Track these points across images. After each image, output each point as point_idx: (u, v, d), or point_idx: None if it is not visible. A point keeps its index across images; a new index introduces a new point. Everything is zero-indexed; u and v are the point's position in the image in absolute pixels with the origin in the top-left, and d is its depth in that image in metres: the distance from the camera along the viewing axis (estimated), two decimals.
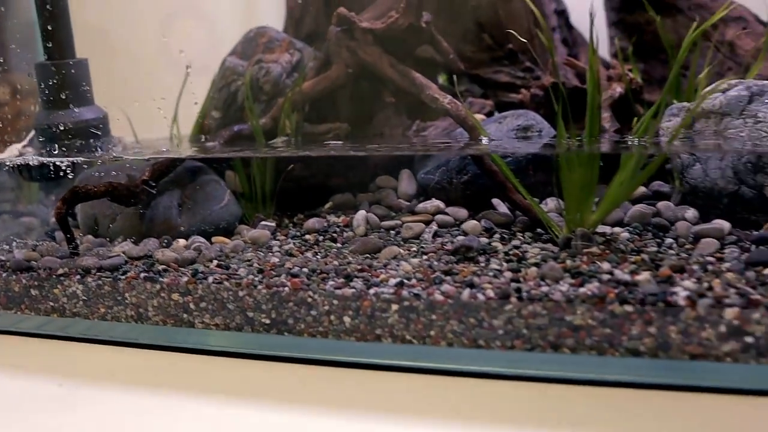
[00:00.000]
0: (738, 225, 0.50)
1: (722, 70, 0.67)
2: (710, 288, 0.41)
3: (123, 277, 0.52)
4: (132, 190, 0.59)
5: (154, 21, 0.82)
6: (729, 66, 0.67)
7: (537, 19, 0.72)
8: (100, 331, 0.54)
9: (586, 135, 0.50)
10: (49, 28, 0.63)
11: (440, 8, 0.72)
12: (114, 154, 0.63)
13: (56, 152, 0.63)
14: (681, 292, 0.41)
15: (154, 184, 0.60)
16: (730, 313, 0.40)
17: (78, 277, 0.54)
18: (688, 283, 0.42)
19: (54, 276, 0.55)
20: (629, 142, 0.52)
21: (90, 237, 0.62)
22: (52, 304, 0.55)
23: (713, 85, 0.59)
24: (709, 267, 0.44)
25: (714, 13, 0.69)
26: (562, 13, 0.76)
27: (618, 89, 0.66)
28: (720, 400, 0.40)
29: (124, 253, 0.56)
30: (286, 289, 0.47)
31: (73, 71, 0.64)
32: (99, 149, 0.64)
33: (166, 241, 0.58)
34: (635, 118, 0.63)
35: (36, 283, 0.55)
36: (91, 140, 0.64)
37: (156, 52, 0.79)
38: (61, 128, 0.63)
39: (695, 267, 0.44)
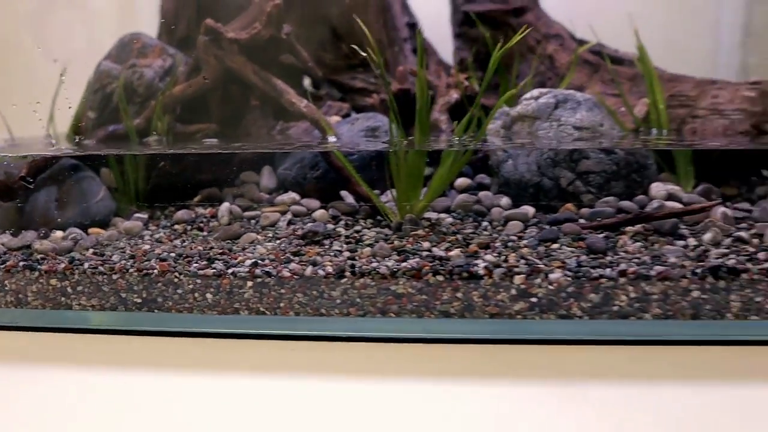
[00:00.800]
0: (541, 210, 0.61)
1: (544, 80, 0.78)
2: (506, 260, 0.52)
3: (2, 265, 0.57)
4: (10, 186, 0.64)
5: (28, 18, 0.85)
6: (549, 76, 0.79)
7: (389, 31, 0.81)
8: None
9: (416, 134, 0.59)
10: None
11: (303, 19, 0.79)
12: None
13: None
14: (481, 264, 0.51)
15: (31, 180, 0.64)
16: (518, 279, 0.50)
17: None
18: (489, 257, 0.52)
19: None
20: (451, 142, 0.62)
21: None
22: None
23: (528, 94, 0.70)
24: (510, 244, 0.55)
25: (537, 30, 0.81)
26: (413, 26, 0.86)
27: (454, 95, 0.76)
28: (514, 349, 0.50)
29: (2, 244, 0.61)
30: (155, 271, 0.54)
31: None
32: None
33: (43, 232, 0.63)
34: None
35: None
36: None
37: (32, 52, 0.83)
38: None
39: (498, 244, 0.54)
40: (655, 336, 0.50)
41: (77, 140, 0.73)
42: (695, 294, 0.49)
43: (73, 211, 0.65)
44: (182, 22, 0.81)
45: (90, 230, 0.64)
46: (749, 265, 0.49)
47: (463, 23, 0.83)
